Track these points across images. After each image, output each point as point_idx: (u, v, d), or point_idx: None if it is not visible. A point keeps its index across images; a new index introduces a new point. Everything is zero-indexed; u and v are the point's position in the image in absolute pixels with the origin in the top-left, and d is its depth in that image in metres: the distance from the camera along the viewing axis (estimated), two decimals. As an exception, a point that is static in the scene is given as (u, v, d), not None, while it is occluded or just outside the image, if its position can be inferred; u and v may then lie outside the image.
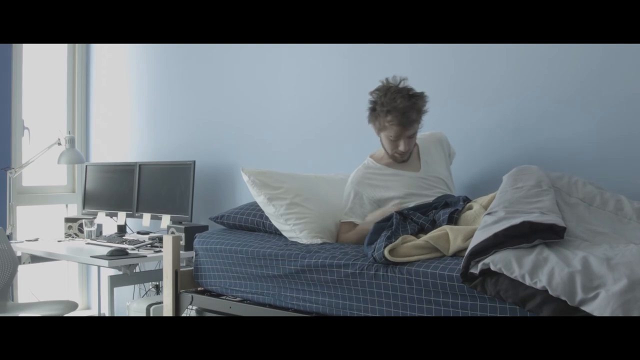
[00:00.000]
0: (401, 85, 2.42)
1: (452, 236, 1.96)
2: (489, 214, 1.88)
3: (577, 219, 1.95)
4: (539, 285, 1.57)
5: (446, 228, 2.01)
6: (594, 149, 2.46)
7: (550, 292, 1.54)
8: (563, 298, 1.52)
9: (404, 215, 2.22)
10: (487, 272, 1.68)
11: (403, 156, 2.48)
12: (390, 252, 1.97)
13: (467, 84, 2.80)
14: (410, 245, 1.99)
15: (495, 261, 1.65)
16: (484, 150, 2.75)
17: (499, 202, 1.94)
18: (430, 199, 2.42)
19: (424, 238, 2.00)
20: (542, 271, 1.58)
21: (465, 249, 1.87)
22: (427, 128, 2.59)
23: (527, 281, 1.59)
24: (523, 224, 1.70)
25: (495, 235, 1.69)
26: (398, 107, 2.35)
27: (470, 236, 1.93)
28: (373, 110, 2.46)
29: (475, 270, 1.70)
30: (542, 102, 2.58)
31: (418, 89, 2.44)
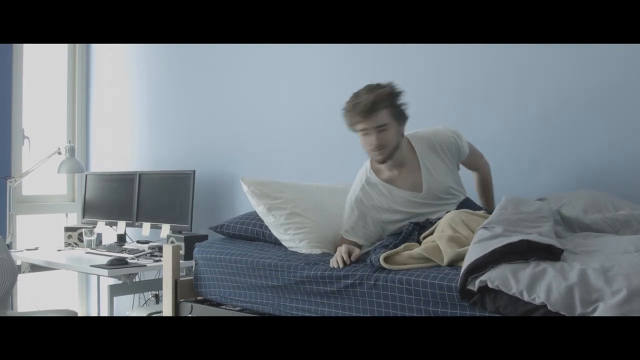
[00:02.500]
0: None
1: (442, 246, 1.97)
2: (484, 227, 1.88)
3: (574, 244, 1.96)
4: (537, 301, 1.57)
5: (436, 239, 2.03)
6: (629, 154, 2.40)
7: (549, 308, 1.55)
8: (562, 313, 1.53)
9: (420, 226, 2.25)
10: (485, 289, 1.68)
11: (380, 153, 2.33)
12: (387, 260, 2.00)
13: (487, 84, 2.73)
14: (407, 254, 2.02)
15: (492, 278, 1.65)
16: (507, 157, 2.65)
17: (498, 219, 1.93)
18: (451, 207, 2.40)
19: (418, 250, 2.02)
20: (539, 286, 1.58)
21: (460, 257, 1.89)
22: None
23: (526, 297, 1.59)
24: (521, 242, 1.70)
25: (493, 252, 1.69)
26: (357, 99, 2.31)
27: (461, 244, 1.95)
28: (344, 114, 2.38)
29: (473, 287, 1.70)
30: (572, 104, 2.51)
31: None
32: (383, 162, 2.37)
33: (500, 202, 2.12)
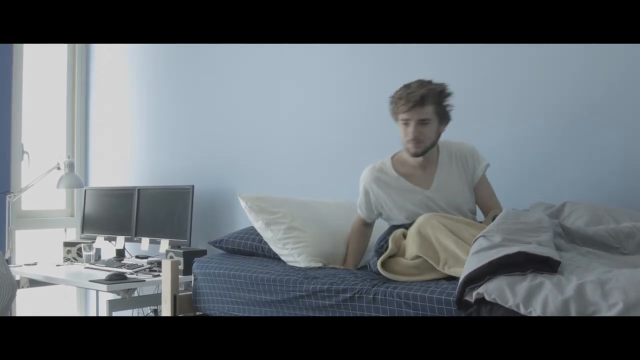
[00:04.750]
0: None
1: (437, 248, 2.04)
2: (483, 236, 1.90)
3: (570, 258, 1.96)
4: (533, 314, 1.57)
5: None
6: (632, 154, 2.39)
7: (545, 321, 1.56)
8: None
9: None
10: (481, 301, 1.69)
11: (416, 146, 2.33)
12: (386, 267, 2.05)
13: (489, 90, 2.71)
14: (405, 264, 2.06)
15: (489, 291, 1.66)
16: (513, 165, 2.62)
17: (497, 228, 1.94)
18: None
19: (410, 252, 2.07)
20: (536, 300, 1.58)
21: (457, 256, 1.92)
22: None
23: (522, 310, 1.59)
24: (519, 253, 1.71)
25: (490, 263, 1.70)
26: (408, 90, 2.32)
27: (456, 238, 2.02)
28: (391, 101, 2.38)
29: (470, 298, 1.71)
30: (575, 108, 2.50)
31: None
32: (416, 155, 2.37)
33: (501, 213, 2.13)
